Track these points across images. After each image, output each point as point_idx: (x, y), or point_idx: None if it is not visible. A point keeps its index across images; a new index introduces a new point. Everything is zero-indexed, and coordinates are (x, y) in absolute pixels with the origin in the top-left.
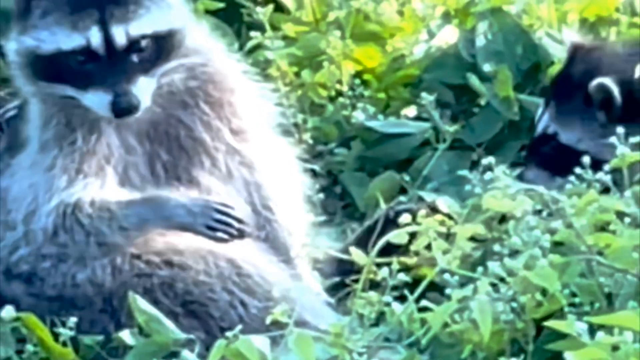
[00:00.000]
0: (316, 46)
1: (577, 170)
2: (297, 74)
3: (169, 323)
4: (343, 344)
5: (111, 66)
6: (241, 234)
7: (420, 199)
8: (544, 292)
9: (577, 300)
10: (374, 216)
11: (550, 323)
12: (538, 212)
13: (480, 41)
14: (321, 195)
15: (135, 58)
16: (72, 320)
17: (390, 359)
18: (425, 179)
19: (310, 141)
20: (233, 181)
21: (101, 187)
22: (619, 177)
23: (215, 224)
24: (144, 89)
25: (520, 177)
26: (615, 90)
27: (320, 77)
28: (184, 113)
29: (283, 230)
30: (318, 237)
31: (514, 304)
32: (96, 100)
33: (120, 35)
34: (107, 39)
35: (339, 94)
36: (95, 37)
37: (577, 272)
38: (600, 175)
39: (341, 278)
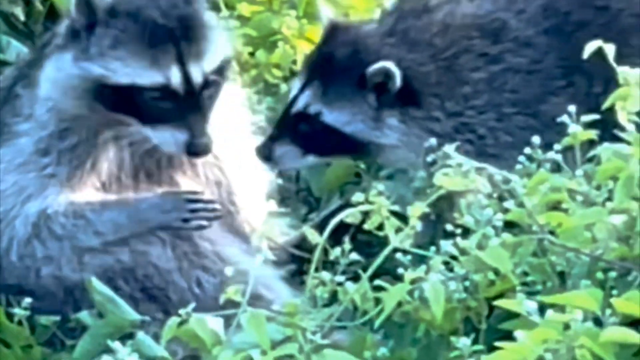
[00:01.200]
0: (270, 26)
1: (527, 150)
2: (252, 54)
3: (124, 304)
4: (296, 323)
5: (188, 105)
6: (216, 216)
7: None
8: (496, 271)
9: (529, 279)
10: (329, 203)
11: (500, 302)
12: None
13: None
14: (277, 180)
15: (207, 94)
16: (27, 300)
17: (343, 339)
18: (380, 165)
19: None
20: (208, 183)
21: (78, 194)
22: (570, 156)
23: (190, 214)
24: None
25: (264, 151)
26: (397, 75)
27: (275, 57)
28: None
29: (245, 223)
30: (276, 225)
31: (467, 283)
32: (169, 139)
33: (197, 74)
34: (187, 78)
35: (294, 73)
36: (175, 76)
37: (529, 251)
38: (551, 154)
39: (297, 265)
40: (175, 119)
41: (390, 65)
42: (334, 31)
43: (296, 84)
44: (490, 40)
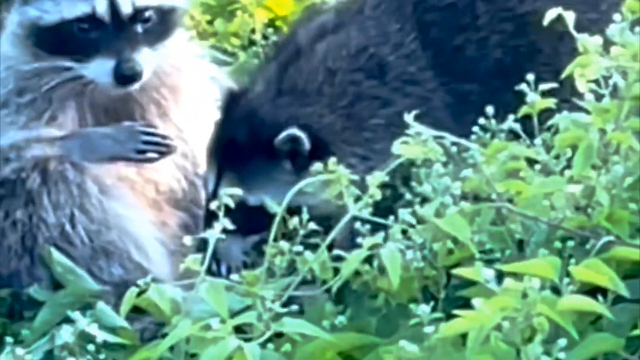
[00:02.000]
0: None
1: (481, 120)
2: (210, 23)
3: (84, 274)
4: (255, 292)
5: (116, 34)
6: (169, 150)
7: None
8: (455, 239)
9: (488, 247)
10: None
11: (457, 270)
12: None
13: None
14: None
15: (139, 28)
16: None
17: (303, 308)
18: None
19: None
20: (173, 156)
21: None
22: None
23: (144, 146)
24: (146, 60)
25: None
26: (305, 138)
27: (233, 25)
28: (142, 94)
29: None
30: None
31: (425, 252)
32: (100, 68)
33: (126, 3)
34: (113, 7)
35: (252, 42)
36: (100, 4)
37: (487, 219)
38: (509, 122)
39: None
40: (104, 49)
41: (295, 131)
42: (228, 107)
43: (209, 176)
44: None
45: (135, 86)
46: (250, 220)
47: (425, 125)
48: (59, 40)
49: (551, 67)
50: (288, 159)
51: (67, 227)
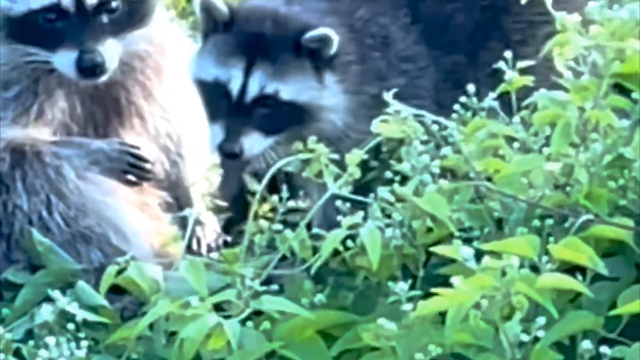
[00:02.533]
0: None
1: (462, 98)
2: (189, 1)
3: (65, 254)
4: (235, 270)
5: (80, 25)
6: (150, 178)
7: None
8: (434, 217)
9: (466, 225)
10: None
11: (436, 249)
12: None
13: None
14: None
15: (105, 18)
16: None
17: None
18: None
19: None
20: (158, 135)
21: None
22: (507, 103)
23: (129, 168)
24: (112, 51)
25: (233, 149)
26: (335, 41)
27: None
28: (126, 77)
29: (187, 177)
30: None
31: (405, 230)
32: (64, 60)
33: None
34: None
35: None
36: None
37: (466, 198)
38: (487, 101)
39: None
40: (68, 39)
41: (329, 31)
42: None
43: (230, 72)
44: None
45: (102, 79)
46: (276, 116)
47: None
48: (28, 30)
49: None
50: (309, 58)
51: (44, 213)
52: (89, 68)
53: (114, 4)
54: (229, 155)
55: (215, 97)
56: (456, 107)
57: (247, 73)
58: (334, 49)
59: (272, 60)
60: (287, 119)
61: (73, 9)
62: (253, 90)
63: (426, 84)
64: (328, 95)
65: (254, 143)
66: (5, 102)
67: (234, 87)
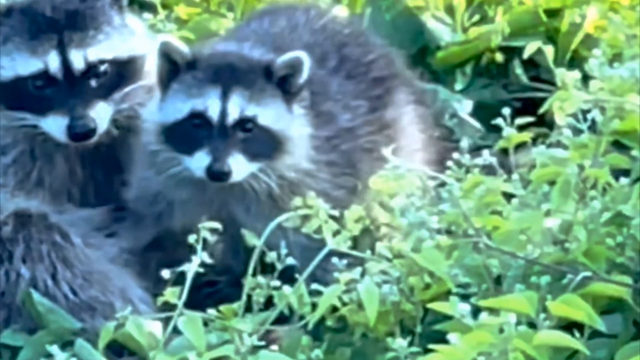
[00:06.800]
0: (207, 27)
1: (456, 155)
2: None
3: (64, 313)
4: (233, 326)
5: (69, 91)
6: None
7: None
8: (432, 273)
9: (464, 282)
10: None
11: (433, 305)
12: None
13: (368, 24)
14: None
15: (93, 83)
16: None
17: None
18: None
19: None
20: None
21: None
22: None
23: None
24: (102, 114)
25: (223, 169)
26: (307, 65)
27: None
28: (124, 134)
29: None
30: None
31: (402, 286)
32: (54, 125)
33: (78, 59)
34: (65, 64)
35: None
36: (53, 61)
37: (464, 254)
38: (485, 156)
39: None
40: (58, 106)
41: (301, 54)
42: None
43: (206, 100)
44: None
45: (92, 141)
46: (255, 141)
47: None
48: (16, 96)
49: None
50: (279, 85)
51: (49, 282)
52: (80, 134)
53: (101, 68)
54: (218, 176)
55: (191, 129)
56: (450, 164)
57: (225, 98)
58: (304, 76)
59: (247, 86)
60: (266, 145)
61: (61, 75)
62: (233, 113)
63: None
64: (297, 126)
65: (239, 165)
66: (5, 167)
67: (214, 113)
